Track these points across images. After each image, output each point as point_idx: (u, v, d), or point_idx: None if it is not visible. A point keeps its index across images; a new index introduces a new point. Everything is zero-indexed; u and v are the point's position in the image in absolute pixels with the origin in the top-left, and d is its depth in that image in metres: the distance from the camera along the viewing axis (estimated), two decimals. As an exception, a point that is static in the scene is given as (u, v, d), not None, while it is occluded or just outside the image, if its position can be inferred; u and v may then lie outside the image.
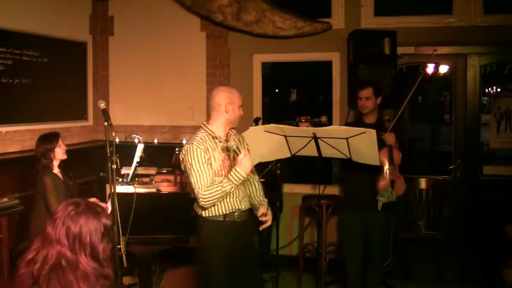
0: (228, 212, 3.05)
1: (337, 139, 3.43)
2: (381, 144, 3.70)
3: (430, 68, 5.04)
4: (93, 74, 5.64)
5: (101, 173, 4.17)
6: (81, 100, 5.47)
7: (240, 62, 5.39)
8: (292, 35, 5.10)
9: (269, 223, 3.22)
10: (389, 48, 4.68)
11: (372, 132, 3.36)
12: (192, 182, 2.96)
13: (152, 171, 4.36)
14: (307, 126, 3.80)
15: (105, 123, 2.97)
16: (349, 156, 3.53)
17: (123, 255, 2.99)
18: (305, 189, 4.91)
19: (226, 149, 3.08)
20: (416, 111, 6.13)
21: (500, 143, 5.03)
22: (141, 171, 4.16)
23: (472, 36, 4.83)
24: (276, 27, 5.08)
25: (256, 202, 3.24)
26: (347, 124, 3.95)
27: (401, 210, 4.79)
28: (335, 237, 5.04)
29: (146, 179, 4.18)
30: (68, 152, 3.95)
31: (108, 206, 3.31)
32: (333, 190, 4.93)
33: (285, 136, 3.56)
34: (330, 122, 4.51)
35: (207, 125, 3.10)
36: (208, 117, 3.18)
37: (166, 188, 4.08)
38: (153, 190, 3.94)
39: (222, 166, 3.01)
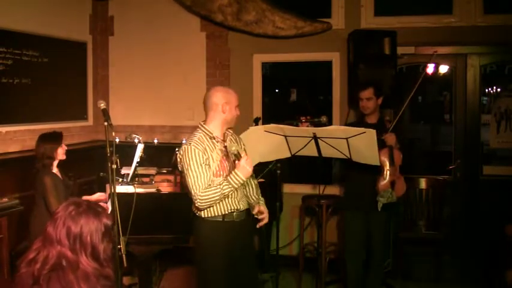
0: (226, 212, 3.05)
1: (337, 139, 3.43)
2: (382, 144, 3.70)
3: (430, 68, 5.04)
4: (93, 74, 5.64)
5: (101, 173, 4.17)
6: (81, 100, 5.47)
7: (240, 62, 5.39)
8: (292, 35, 5.10)
9: (266, 220, 3.21)
10: (389, 48, 4.68)
11: (372, 132, 3.35)
12: (189, 182, 2.94)
13: (152, 171, 4.36)
14: (307, 126, 3.80)
15: (105, 123, 2.96)
16: (349, 156, 3.53)
17: (123, 255, 2.99)
18: (305, 189, 4.91)
19: (225, 148, 3.08)
20: (416, 111, 6.13)
21: (500, 143, 5.03)
22: (141, 171, 4.15)
23: (472, 36, 4.83)
24: (276, 27, 5.08)
25: (252, 201, 3.24)
26: (348, 124, 3.95)
27: (402, 211, 4.79)
28: (335, 237, 5.04)
29: (146, 179, 4.18)
30: (68, 152, 3.95)
31: (108, 206, 3.32)
32: (333, 190, 4.94)
33: (285, 136, 3.56)
34: (330, 122, 4.50)
35: (204, 125, 3.09)
36: (205, 117, 3.17)
37: (166, 188, 4.08)
38: (153, 190, 3.94)
39: (220, 166, 3.01)
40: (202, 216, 3.05)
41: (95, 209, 1.82)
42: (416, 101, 6.24)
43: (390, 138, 3.77)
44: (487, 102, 5.42)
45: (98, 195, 3.96)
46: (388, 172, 3.76)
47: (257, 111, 5.28)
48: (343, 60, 5.07)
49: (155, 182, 4.16)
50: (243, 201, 3.14)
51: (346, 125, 4.13)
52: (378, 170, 3.73)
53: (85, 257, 1.75)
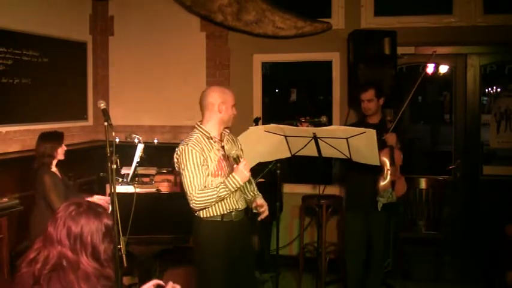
0: (225, 212, 3.04)
1: (337, 139, 3.43)
2: (382, 144, 3.70)
3: (430, 68, 5.04)
4: (93, 74, 5.64)
5: (101, 173, 4.17)
6: (81, 100, 5.47)
7: (240, 62, 5.39)
8: (292, 35, 5.10)
9: (266, 213, 3.20)
10: (389, 48, 4.68)
11: (372, 132, 3.35)
12: (185, 183, 2.94)
13: (152, 171, 4.36)
14: (307, 126, 3.80)
15: (105, 123, 2.96)
16: (349, 156, 3.53)
17: (123, 255, 2.99)
18: (305, 189, 4.91)
19: (222, 148, 3.08)
20: (416, 111, 6.14)
21: (500, 143, 5.03)
22: (141, 171, 4.15)
23: (472, 36, 4.83)
24: (276, 27, 5.08)
25: (250, 197, 3.24)
26: (350, 125, 3.94)
27: (402, 210, 4.79)
28: (335, 237, 5.04)
29: (146, 179, 4.18)
30: (68, 152, 3.95)
31: (108, 201, 3.31)
32: (333, 190, 4.94)
33: (285, 136, 3.56)
34: (330, 122, 4.50)
35: (201, 125, 3.09)
36: (202, 117, 3.15)
37: (166, 188, 4.07)
38: (153, 190, 3.94)
39: (219, 166, 3.01)
40: (201, 216, 3.04)
41: (95, 209, 1.82)
42: (416, 101, 6.25)
43: (391, 138, 3.77)
44: (487, 102, 5.42)
45: (96, 198, 3.91)
46: (388, 172, 3.76)
47: (257, 111, 5.28)
48: (343, 60, 5.07)
49: (155, 182, 4.16)
50: (242, 201, 3.14)
51: (347, 125, 4.12)
52: (378, 170, 3.73)
53: (85, 257, 1.75)
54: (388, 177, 3.77)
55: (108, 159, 2.93)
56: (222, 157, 3.04)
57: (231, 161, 3.01)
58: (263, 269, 4.74)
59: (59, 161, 3.90)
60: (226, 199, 3.02)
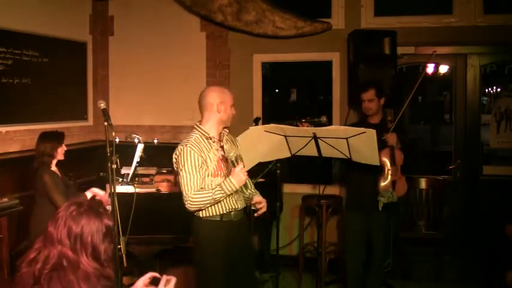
0: (225, 211, 3.05)
1: (337, 139, 3.43)
2: (383, 145, 3.70)
3: (430, 68, 5.04)
4: (93, 74, 5.64)
5: (101, 173, 4.17)
6: (81, 100, 5.47)
7: (240, 62, 5.39)
8: (292, 35, 5.10)
9: (264, 209, 3.21)
10: (389, 48, 4.68)
11: (372, 132, 3.35)
12: (182, 183, 2.95)
13: (152, 171, 4.36)
14: (307, 126, 3.80)
15: (105, 123, 2.96)
16: (349, 156, 3.53)
17: (123, 255, 2.99)
18: (305, 189, 4.91)
19: (221, 148, 3.08)
20: (416, 111, 6.14)
21: (500, 143, 5.03)
22: (141, 171, 4.16)
23: (472, 36, 4.83)
24: (276, 27, 5.08)
25: (248, 194, 3.25)
26: (350, 125, 3.94)
27: (401, 210, 4.79)
28: (335, 237, 5.04)
29: (146, 179, 4.18)
30: (68, 152, 3.94)
31: (107, 196, 3.31)
32: (333, 190, 4.94)
33: (285, 136, 3.56)
34: (330, 122, 4.50)
35: (200, 126, 3.09)
36: (201, 117, 3.15)
37: (166, 188, 4.08)
38: (153, 190, 3.94)
39: (218, 167, 3.01)
40: (201, 216, 3.04)
41: (96, 210, 1.82)
42: (416, 101, 6.25)
43: (391, 138, 3.77)
44: (487, 102, 5.42)
45: (94, 191, 3.87)
46: (389, 172, 3.76)
47: (257, 111, 5.28)
48: (343, 60, 5.07)
49: (155, 182, 4.16)
50: (241, 201, 3.15)
51: (347, 125, 4.12)
52: (379, 170, 3.73)
53: (86, 257, 1.75)
54: (389, 177, 3.77)
55: (108, 159, 2.93)
56: (221, 157, 3.04)
57: (229, 164, 3.01)
58: (263, 269, 4.74)
59: (59, 161, 3.90)
60: (226, 199, 3.02)
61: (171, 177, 4.26)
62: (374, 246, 4.03)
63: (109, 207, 3.06)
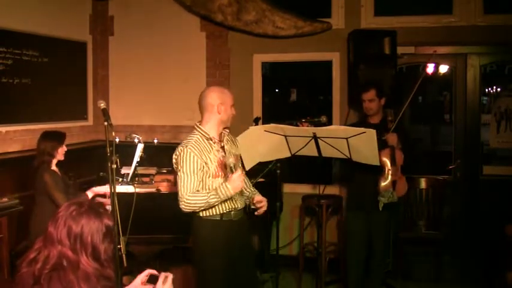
0: (225, 211, 3.05)
1: (337, 139, 3.43)
2: (383, 145, 3.70)
3: (430, 68, 5.04)
4: (93, 74, 5.64)
5: (101, 173, 4.17)
6: (81, 100, 5.47)
7: (240, 62, 5.39)
8: (292, 35, 5.10)
9: (265, 208, 3.21)
10: (389, 48, 4.68)
11: (372, 132, 3.35)
12: (179, 184, 2.96)
13: (152, 171, 4.36)
14: (307, 126, 3.80)
15: (105, 123, 2.96)
16: (349, 156, 3.53)
17: (123, 255, 2.99)
18: (305, 189, 4.91)
19: (222, 149, 3.08)
20: (416, 111, 6.14)
21: (500, 143, 5.03)
22: (141, 171, 4.16)
23: (472, 36, 4.83)
24: (276, 27, 5.08)
25: (247, 193, 3.25)
26: (351, 125, 3.94)
27: (401, 210, 4.79)
28: (335, 237, 5.04)
29: (146, 179, 4.18)
30: (68, 152, 3.95)
31: (107, 190, 3.29)
32: (333, 190, 4.94)
33: (285, 136, 3.56)
34: (329, 122, 4.50)
35: (200, 126, 3.09)
36: (201, 117, 3.15)
37: (166, 188, 4.07)
38: (153, 190, 3.94)
39: (218, 167, 3.01)
40: (201, 215, 3.05)
41: (96, 210, 1.82)
42: (417, 101, 6.25)
43: (392, 138, 3.77)
44: (487, 102, 5.42)
45: (95, 190, 3.88)
46: (389, 172, 3.76)
47: (257, 111, 5.27)
48: (343, 60, 5.07)
49: (155, 181, 4.16)
50: (241, 200, 3.15)
51: (348, 125, 4.12)
52: (379, 169, 3.73)
53: (85, 257, 1.75)
54: (389, 177, 3.77)
55: (108, 159, 2.93)
56: (221, 158, 3.04)
57: (228, 169, 3.01)
58: (263, 269, 4.74)
59: (59, 161, 3.90)
60: None
61: (171, 177, 4.26)
62: (374, 246, 4.03)
63: (109, 207, 3.06)
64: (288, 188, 4.95)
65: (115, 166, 2.95)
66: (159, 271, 2.02)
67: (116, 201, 2.95)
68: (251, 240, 3.66)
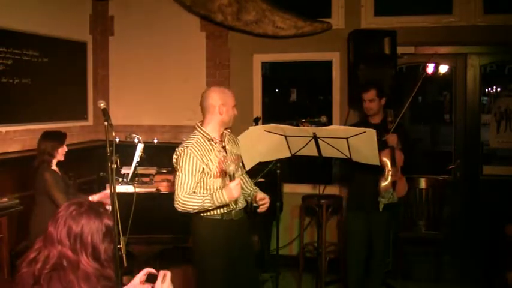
0: (225, 210, 3.05)
1: (337, 139, 3.43)
2: (383, 145, 3.69)
3: (430, 68, 5.04)
4: (93, 74, 5.64)
5: (101, 173, 4.17)
6: (81, 100, 5.47)
7: (240, 62, 5.39)
8: (292, 35, 5.10)
9: (267, 205, 3.21)
10: (389, 48, 4.68)
11: (372, 132, 3.35)
12: (176, 183, 2.98)
13: (152, 171, 4.36)
14: (307, 126, 3.80)
15: (105, 123, 2.96)
16: (349, 156, 3.53)
17: (123, 255, 2.99)
18: (305, 189, 4.91)
19: (224, 149, 3.08)
20: (416, 111, 6.14)
21: (500, 143, 5.03)
22: (141, 171, 4.15)
23: (472, 36, 4.83)
24: (276, 27, 5.08)
25: (248, 191, 3.26)
26: (352, 125, 3.94)
27: (402, 210, 4.78)
28: (335, 237, 5.04)
29: (146, 179, 4.18)
30: (68, 152, 3.95)
31: (107, 195, 3.30)
32: (333, 190, 4.94)
33: (285, 136, 3.56)
34: (330, 122, 4.50)
35: (201, 127, 3.09)
36: (203, 118, 3.15)
37: (166, 188, 4.07)
38: (153, 190, 3.94)
39: (219, 168, 3.02)
40: (201, 214, 3.05)
41: (96, 210, 1.82)
42: (417, 101, 6.25)
43: (392, 139, 3.76)
44: (487, 102, 5.42)
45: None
46: (389, 173, 3.76)
47: (257, 111, 5.28)
48: (343, 60, 5.07)
49: (155, 181, 4.16)
50: (242, 200, 3.15)
51: (348, 125, 4.11)
52: (379, 169, 3.73)
53: (85, 257, 1.75)
54: (389, 177, 3.76)
55: (108, 159, 2.93)
56: (222, 158, 3.04)
57: (227, 177, 3.01)
58: (263, 269, 4.74)
59: (59, 161, 3.90)
60: None
61: (171, 177, 4.25)
62: (374, 246, 4.03)
63: (109, 207, 3.06)
64: (288, 188, 4.95)
65: (115, 166, 2.95)
66: (158, 270, 2.02)
67: (116, 201, 2.95)
68: (251, 240, 3.66)
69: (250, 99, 5.33)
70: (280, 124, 3.58)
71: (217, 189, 2.98)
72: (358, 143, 3.42)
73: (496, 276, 4.21)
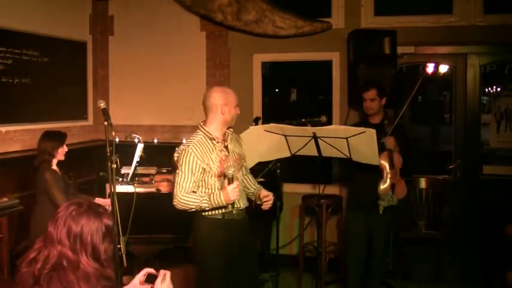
0: (227, 210, 3.05)
1: (337, 138, 3.43)
2: (382, 148, 3.69)
3: (430, 68, 5.04)
4: (93, 74, 5.64)
5: (101, 173, 4.18)
6: (81, 100, 5.47)
7: (240, 62, 5.39)
8: (292, 35, 5.10)
9: (271, 202, 3.21)
10: (389, 47, 4.68)
11: (372, 132, 3.35)
12: (176, 180, 3.00)
13: (152, 170, 4.36)
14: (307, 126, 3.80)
15: (105, 123, 2.97)
16: (349, 155, 3.53)
17: (123, 255, 3.00)
18: (305, 189, 4.91)
19: (225, 149, 3.08)
20: (416, 111, 6.14)
21: (500, 143, 5.03)
22: (141, 170, 4.16)
23: (472, 36, 4.83)
24: (276, 26, 5.08)
25: (253, 190, 3.27)
26: (352, 125, 3.93)
27: (401, 211, 4.78)
28: (335, 237, 5.04)
29: (146, 179, 4.18)
30: (68, 151, 3.95)
31: (109, 203, 3.31)
32: (333, 190, 4.94)
33: (285, 135, 3.55)
34: (329, 122, 4.50)
35: (204, 126, 3.10)
36: (205, 118, 3.16)
37: (166, 188, 4.07)
38: (153, 190, 3.94)
39: (220, 167, 3.02)
40: (203, 214, 3.05)
41: (96, 210, 1.82)
42: (417, 101, 6.25)
43: (389, 142, 3.75)
44: (487, 102, 5.43)
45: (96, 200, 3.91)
46: (388, 175, 3.75)
47: (257, 111, 5.28)
48: (343, 60, 5.06)
49: (155, 181, 4.16)
50: (243, 199, 3.16)
51: (349, 125, 4.11)
52: (379, 169, 3.72)
53: (85, 257, 1.75)
54: (388, 180, 3.75)
55: (108, 159, 2.93)
56: (224, 158, 3.04)
57: (225, 180, 3.02)
58: (263, 268, 4.74)
59: (59, 161, 3.90)
60: None
61: (171, 177, 4.25)
62: (374, 246, 4.03)
63: (109, 207, 3.06)
64: (288, 187, 4.95)
65: (115, 166, 2.96)
66: (158, 270, 2.02)
67: (116, 201, 2.95)
68: (252, 240, 3.66)
69: (250, 99, 5.33)
70: (280, 124, 3.58)
71: (217, 190, 2.98)
72: (358, 143, 3.41)
73: (496, 276, 4.21)
